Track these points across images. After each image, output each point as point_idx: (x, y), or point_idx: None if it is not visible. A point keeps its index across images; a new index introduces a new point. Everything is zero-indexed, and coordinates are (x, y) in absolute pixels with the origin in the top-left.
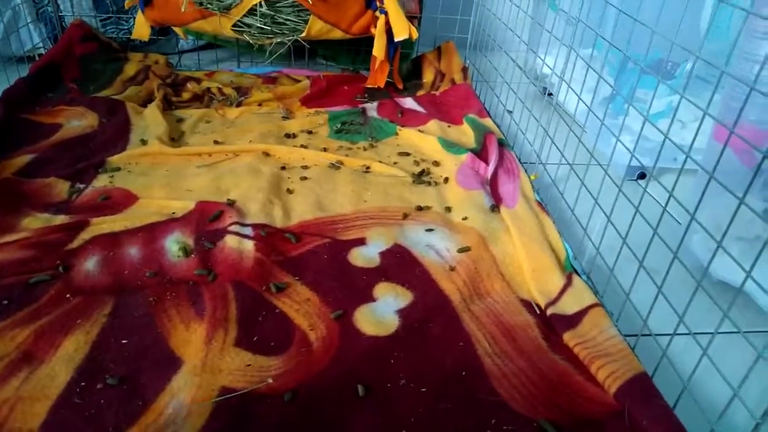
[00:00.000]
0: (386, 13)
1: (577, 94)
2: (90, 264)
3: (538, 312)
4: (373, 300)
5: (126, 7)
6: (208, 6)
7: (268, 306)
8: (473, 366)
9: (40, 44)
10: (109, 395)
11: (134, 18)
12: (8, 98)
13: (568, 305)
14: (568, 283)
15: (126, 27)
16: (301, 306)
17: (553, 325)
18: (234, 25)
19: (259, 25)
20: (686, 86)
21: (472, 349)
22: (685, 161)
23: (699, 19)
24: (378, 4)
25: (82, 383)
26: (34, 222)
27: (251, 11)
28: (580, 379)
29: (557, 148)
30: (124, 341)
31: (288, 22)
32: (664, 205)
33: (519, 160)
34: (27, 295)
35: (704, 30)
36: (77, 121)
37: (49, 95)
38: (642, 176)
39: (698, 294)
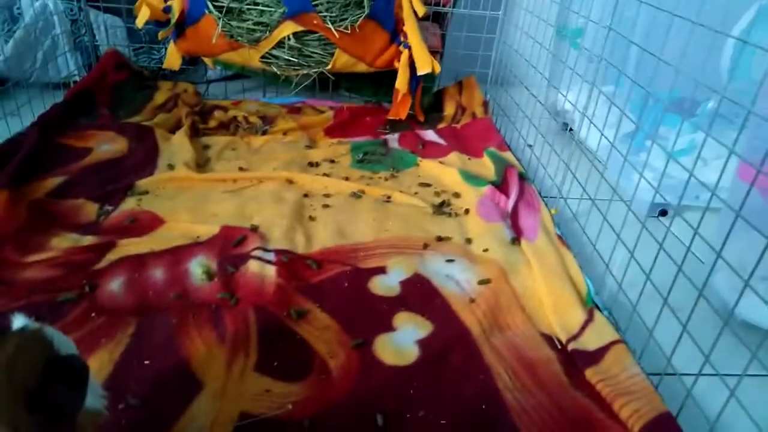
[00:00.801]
0: (410, 48)
1: (599, 130)
2: (115, 285)
3: (559, 347)
4: (393, 329)
5: (159, 39)
6: (238, 38)
7: (288, 332)
8: (493, 399)
9: (76, 72)
10: (130, 416)
11: (166, 48)
12: (43, 122)
13: (590, 341)
14: (590, 318)
15: (157, 57)
16: (321, 333)
17: (575, 361)
18: (262, 57)
19: (286, 57)
20: (711, 124)
21: (492, 382)
22: (710, 199)
23: (719, 59)
24: (402, 38)
25: (105, 403)
26: (63, 242)
27: (279, 44)
28: (602, 417)
29: (579, 183)
30: (146, 362)
31: (314, 55)
32: (688, 244)
33: (540, 194)
34: (54, 313)
35: (724, 69)
36: (107, 146)
37: (82, 120)
38: (663, 213)
39: (723, 335)
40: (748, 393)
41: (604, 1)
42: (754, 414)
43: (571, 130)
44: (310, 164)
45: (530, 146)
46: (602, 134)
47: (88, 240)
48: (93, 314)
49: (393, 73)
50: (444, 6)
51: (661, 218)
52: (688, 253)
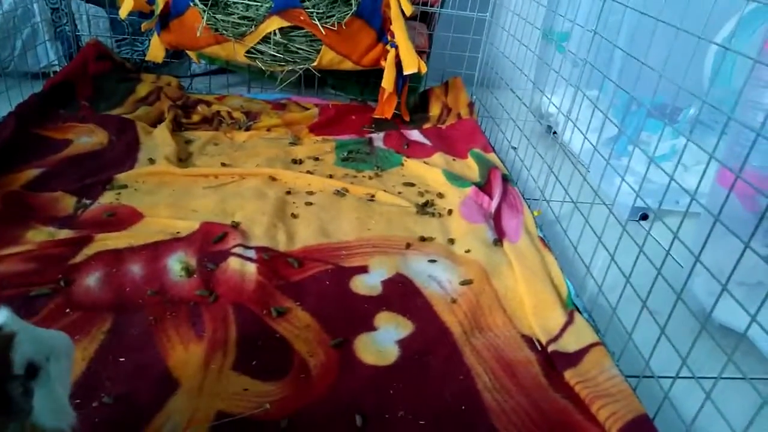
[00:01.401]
0: (396, 47)
1: (583, 134)
2: (91, 280)
3: (539, 348)
4: (374, 329)
5: (142, 30)
6: (223, 32)
7: (268, 330)
8: (473, 400)
9: (56, 61)
10: (103, 413)
11: (149, 40)
12: (21, 113)
13: (570, 343)
14: (570, 320)
15: (141, 48)
16: (300, 332)
17: (554, 363)
18: (247, 52)
19: (272, 52)
20: (692, 130)
21: (472, 383)
22: (689, 204)
23: (702, 66)
24: (389, 37)
25: (77, 400)
26: (39, 235)
27: (265, 39)
28: (580, 419)
29: (562, 185)
30: (121, 359)
31: (300, 51)
32: (667, 248)
33: (523, 196)
34: (26, 307)
35: (707, 77)
36: (87, 138)
37: (61, 111)
38: (644, 217)
39: (700, 338)
40: (724, 395)
41: (590, 6)
42: (729, 416)
43: (555, 133)
44: (294, 161)
45: (514, 148)
46: (585, 138)
47: (65, 234)
48: (68, 310)
49: (379, 72)
50: (432, 6)
51: (642, 222)
52: (667, 257)
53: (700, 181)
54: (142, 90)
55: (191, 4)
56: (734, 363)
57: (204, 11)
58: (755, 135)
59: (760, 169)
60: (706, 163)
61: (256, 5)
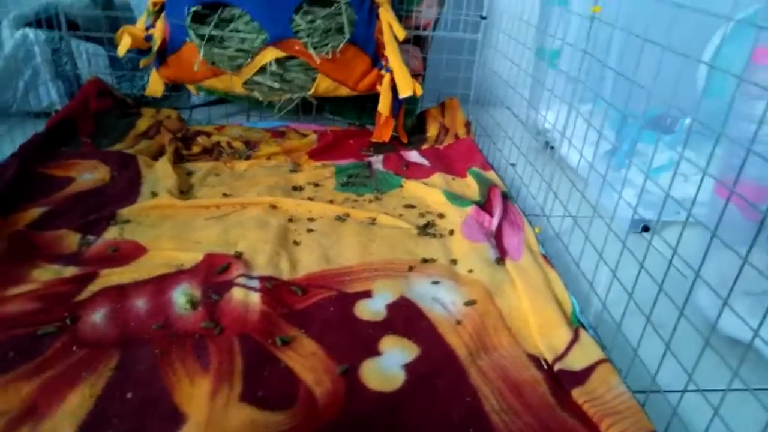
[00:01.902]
0: (391, 72)
1: (578, 150)
2: (97, 316)
3: (545, 367)
4: (379, 354)
5: (141, 66)
6: (220, 65)
7: (273, 360)
8: (480, 423)
9: (57, 101)
10: None
11: (148, 75)
12: (24, 152)
13: (576, 361)
14: (575, 337)
15: (140, 84)
16: (306, 360)
17: (561, 382)
18: (245, 83)
19: (268, 83)
20: (686, 143)
21: (479, 404)
22: (687, 217)
23: (696, 75)
24: (383, 63)
25: None
26: (44, 273)
27: (261, 70)
28: None
29: (560, 201)
30: (128, 395)
31: (297, 80)
32: (669, 259)
33: (523, 213)
34: (33, 347)
35: (699, 87)
36: (89, 174)
37: (64, 149)
38: (646, 229)
39: (709, 349)
40: (734, 408)
41: (579, 24)
42: (738, 428)
43: (552, 148)
44: (294, 188)
45: (513, 165)
46: (581, 155)
47: (70, 271)
48: (74, 347)
49: (376, 96)
50: (425, 29)
51: (644, 234)
52: (671, 269)
53: (696, 194)
54: (143, 124)
55: (187, 39)
56: (739, 377)
57: (200, 46)
58: (746, 149)
59: (757, 181)
60: (701, 176)
61: (251, 38)
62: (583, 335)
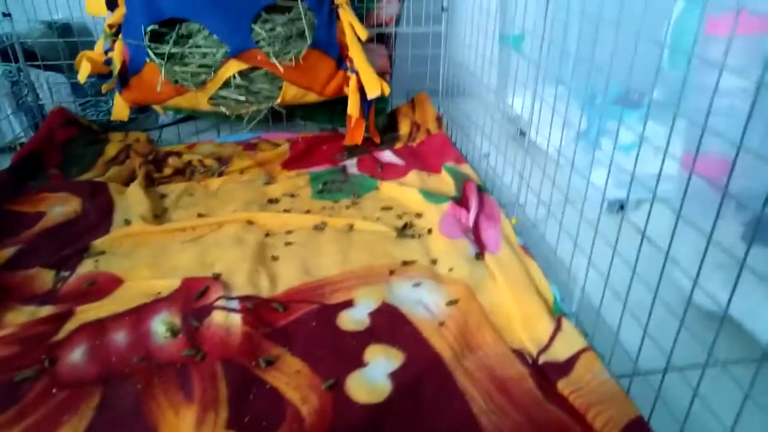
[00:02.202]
0: (357, 73)
1: (544, 137)
2: (76, 355)
3: (530, 361)
4: (364, 365)
5: (104, 91)
6: (183, 83)
7: (258, 382)
8: (470, 426)
9: (22, 134)
10: None
11: (113, 99)
12: None
13: (560, 351)
14: (558, 327)
15: (105, 108)
16: (291, 379)
17: (547, 374)
18: (210, 99)
19: (234, 96)
20: (646, 119)
21: (467, 407)
22: (654, 196)
23: (659, 44)
24: (348, 64)
25: None
26: (19, 316)
27: (226, 84)
28: (578, 429)
29: (532, 190)
30: None
31: (262, 91)
32: (640, 240)
33: (500, 204)
34: (11, 394)
35: (664, 59)
36: (60, 207)
37: (32, 183)
38: (623, 207)
39: (690, 325)
40: (716, 382)
41: (536, 8)
42: (723, 401)
43: (523, 134)
44: (270, 201)
45: (486, 156)
46: (548, 141)
47: (46, 311)
48: (54, 390)
49: (346, 98)
50: (386, 26)
51: (621, 212)
52: (649, 247)
53: (660, 171)
54: (111, 150)
55: (147, 60)
56: (713, 355)
57: (161, 65)
58: (702, 127)
59: (721, 154)
60: (664, 152)
61: (212, 52)
62: (566, 324)
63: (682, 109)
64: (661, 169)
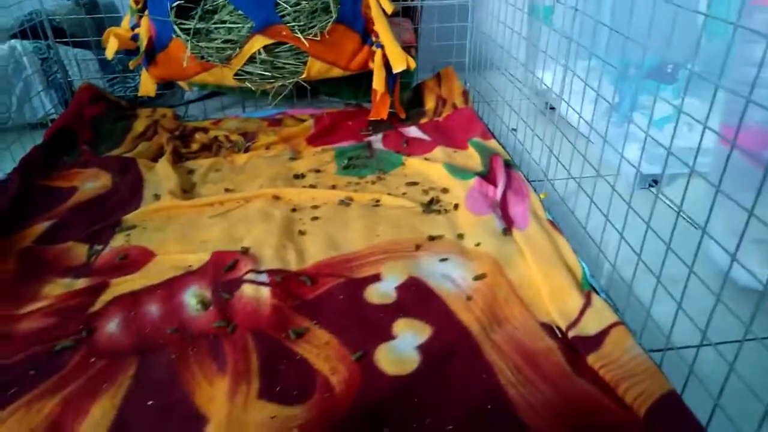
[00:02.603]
0: (382, 47)
1: (576, 110)
2: (112, 326)
3: (559, 335)
4: (393, 338)
5: (131, 68)
6: (209, 59)
7: (288, 353)
8: (498, 398)
9: (52, 110)
10: None
11: (140, 75)
12: (25, 166)
13: (590, 326)
14: (588, 302)
15: (132, 84)
16: (320, 350)
17: (576, 348)
18: (236, 74)
19: (259, 71)
20: (685, 92)
21: (495, 380)
22: (691, 171)
23: (696, 16)
24: (374, 38)
25: None
26: (56, 288)
27: (251, 59)
28: (608, 403)
29: (562, 165)
30: (149, 402)
31: (288, 66)
32: (676, 214)
33: (527, 179)
34: (52, 363)
35: (700, 28)
36: (92, 183)
37: (65, 158)
38: (656, 182)
39: (725, 300)
40: (753, 357)
41: None
42: (757, 378)
43: (552, 108)
44: (296, 176)
45: (514, 131)
46: (580, 115)
47: (81, 283)
48: (92, 359)
49: (371, 73)
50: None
51: (653, 189)
52: (682, 221)
53: (699, 146)
54: (139, 126)
55: (173, 35)
56: (752, 331)
57: (187, 41)
58: (746, 100)
59: (762, 124)
60: (702, 128)
61: (238, 27)
62: (595, 299)
63: (721, 81)
64: (699, 144)
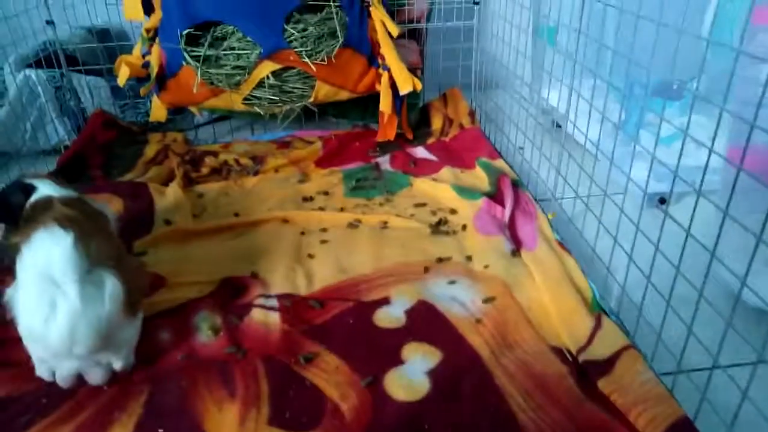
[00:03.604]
0: (389, 69)
1: (581, 131)
2: None
3: (570, 359)
4: (402, 362)
5: (142, 95)
6: (219, 84)
7: (298, 379)
8: (508, 423)
9: (66, 136)
10: None
11: (151, 100)
12: None
13: (600, 349)
14: (597, 325)
15: (143, 110)
16: (330, 376)
17: (587, 373)
18: (245, 99)
19: (268, 96)
20: (691, 109)
21: (505, 406)
22: (699, 190)
23: (700, 32)
24: (380, 61)
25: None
26: None
27: (259, 84)
28: (620, 429)
29: (569, 185)
30: (160, 431)
31: (295, 90)
32: (685, 236)
33: (535, 199)
34: (64, 391)
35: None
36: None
37: (77, 185)
38: (662, 201)
39: (736, 322)
40: (766, 379)
41: (572, 2)
42: None
43: (559, 126)
44: (304, 199)
45: (521, 149)
46: (585, 136)
47: None
48: (105, 387)
49: (378, 95)
50: (418, 22)
51: (662, 206)
52: (692, 241)
53: (705, 167)
54: (150, 151)
55: (184, 62)
56: (758, 351)
57: (197, 67)
58: (753, 119)
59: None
60: (708, 150)
61: (246, 53)
62: (606, 322)
63: (727, 101)
64: (706, 166)
